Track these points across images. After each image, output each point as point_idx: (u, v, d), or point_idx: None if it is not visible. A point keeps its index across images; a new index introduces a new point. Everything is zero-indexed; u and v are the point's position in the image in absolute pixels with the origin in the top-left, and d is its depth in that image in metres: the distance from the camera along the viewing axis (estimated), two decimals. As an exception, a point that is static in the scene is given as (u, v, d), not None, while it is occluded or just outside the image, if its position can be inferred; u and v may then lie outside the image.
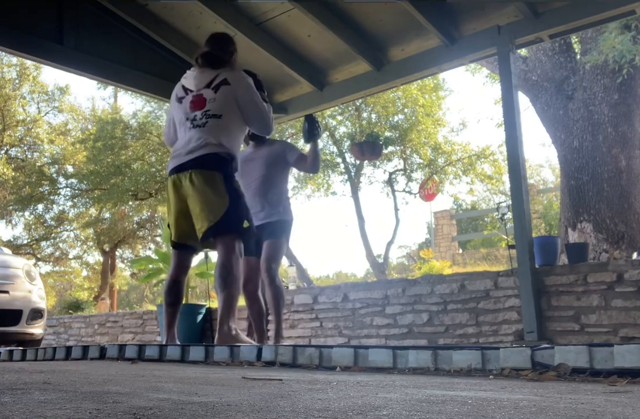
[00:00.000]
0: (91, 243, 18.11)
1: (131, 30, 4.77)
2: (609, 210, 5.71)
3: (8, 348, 3.62)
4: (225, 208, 2.93)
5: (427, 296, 4.43)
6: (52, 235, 18.04)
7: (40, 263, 18.68)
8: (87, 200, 15.28)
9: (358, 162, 13.31)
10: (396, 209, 13.92)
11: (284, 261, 13.62)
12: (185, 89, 3.22)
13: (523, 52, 6.73)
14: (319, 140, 3.94)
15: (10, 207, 16.47)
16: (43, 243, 18.50)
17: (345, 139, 13.22)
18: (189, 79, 3.22)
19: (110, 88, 17.03)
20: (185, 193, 3.02)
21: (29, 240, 18.04)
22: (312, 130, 3.76)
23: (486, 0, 4.07)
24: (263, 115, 3.16)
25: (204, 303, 6.09)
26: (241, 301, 3.65)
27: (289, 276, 7.24)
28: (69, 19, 4.41)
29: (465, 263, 11.32)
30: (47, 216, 17.29)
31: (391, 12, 4.30)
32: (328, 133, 13.08)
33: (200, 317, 5.78)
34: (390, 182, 14.03)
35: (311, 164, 3.86)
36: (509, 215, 4.62)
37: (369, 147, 6.72)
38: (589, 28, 4.87)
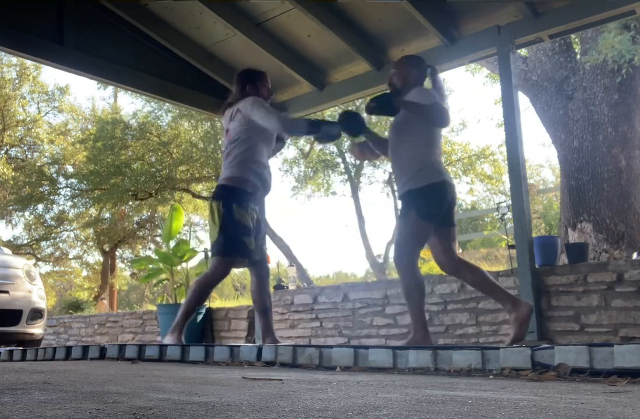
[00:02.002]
0: (91, 243, 18.10)
1: (131, 30, 4.76)
2: (609, 210, 5.71)
3: (8, 348, 3.62)
4: (216, 235, 3.35)
5: (427, 296, 4.41)
6: (52, 235, 18.03)
7: (40, 263, 18.67)
8: (87, 200, 15.27)
9: (358, 162, 13.31)
10: (396, 209, 13.92)
11: (284, 261, 13.61)
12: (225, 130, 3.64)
13: (523, 52, 6.73)
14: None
15: (10, 207, 16.46)
16: (43, 243, 18.50)
17: (345, 139, 13.21)
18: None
19: (110, 88, 17.02)
20: None
21: (29, 240, 18.03)
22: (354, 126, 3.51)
23: (486, 0, 4.07)
24: (268, 124, 3.40)
25: (204, 303, 6.09)
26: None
27: (289, 276, 7.24)
28: (69, 19, 4.41)
29: (465, 263, 11.30)
30: (47, 216, 17.29)
31: (391, 12, 4.30)
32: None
33: (200, 317, 5.78)
34: (390, 182, 14.03)
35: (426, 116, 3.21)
36: (509, 215, 4.62)
37: (369, 147, 6.70)
38: (589, 28, 4.87)
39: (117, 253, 18.47)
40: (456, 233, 3.34)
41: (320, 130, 3.38)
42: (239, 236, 3.31)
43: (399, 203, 3.54)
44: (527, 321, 3.08)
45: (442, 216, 3.20)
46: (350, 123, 3.53)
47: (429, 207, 3.17)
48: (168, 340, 3.32)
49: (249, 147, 3.43)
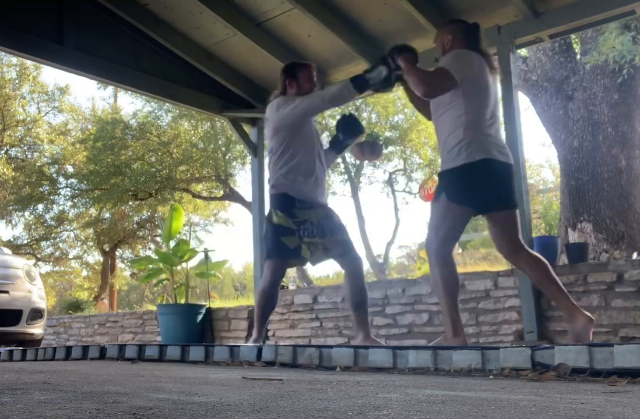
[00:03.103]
0: (91, 243, 18.08)
1: (131, 30, 4.77)
2: (609, 210, 5.71)
3: (8, 348, 3.62)
4: None
5: (427, 296, 4.43)
6: (52, 235, 18.01)
7: (40, 263, 18.66)
8: (87, 200, 15.26)
9: (358, 162, 13.32)
10: (396, 209, 13.94)
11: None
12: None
13: (523, 52, 6.72)
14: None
15: (10, 207, 16.46)
16: (43, 243, 18.48)
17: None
18: None
19: (110, 88, 17.00)
20: None
21: (29, 240, 18.02)
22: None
23: (486, 0, 4.07)
24: (303, 112, 3.30)
25: (204, 303, 6.09)
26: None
27: (289, 276, 7.24)
28: (69, 19, 4.41)
29: (465, 263, 11.30)
30: (47, 216, 17.27)
31: (391, 12, 4.30)
32: (328, 133, 13.08)
33: (200, 317, 5.78)
34: (390, 182, 14.04)
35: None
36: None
37: (369, 147, 6.68)
38: (589, 28, 4.87)
39: (117, 253, 18.45)
40: (515, 216, 2.88)
41: (369, 82, 3.09)
42: (276, 237, 3.30)
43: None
44: (584, 337, 2.59)
45: (485, 198, 2.80)
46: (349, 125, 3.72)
47: (460, 189, 2.79)
48: (251, 342, 3.40)
49: (284, 154, 3.37)
